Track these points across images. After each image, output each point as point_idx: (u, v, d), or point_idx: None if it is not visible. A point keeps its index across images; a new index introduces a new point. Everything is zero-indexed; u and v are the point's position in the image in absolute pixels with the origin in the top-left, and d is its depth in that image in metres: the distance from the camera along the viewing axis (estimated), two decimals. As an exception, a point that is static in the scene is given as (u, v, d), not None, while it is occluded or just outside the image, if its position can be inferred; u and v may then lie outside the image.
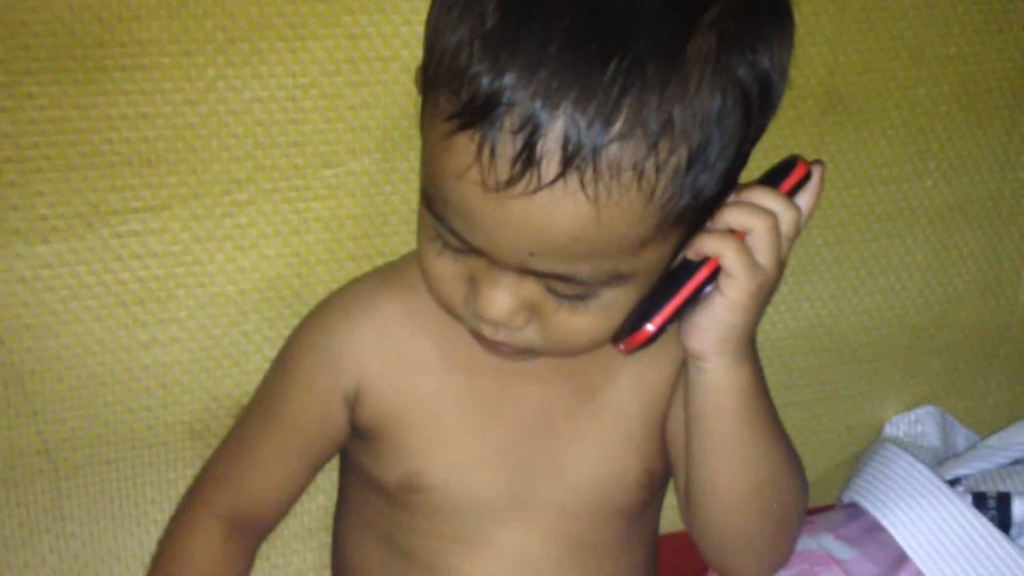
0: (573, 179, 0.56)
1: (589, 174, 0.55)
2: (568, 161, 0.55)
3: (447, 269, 0.64)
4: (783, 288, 0.89)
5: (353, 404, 0.73)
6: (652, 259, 0.61)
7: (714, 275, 0.64)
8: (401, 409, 0.72)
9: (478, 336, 0.67)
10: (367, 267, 0.78)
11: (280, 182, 0.74)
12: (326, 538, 0.84)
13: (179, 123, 0.71)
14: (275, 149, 0.73)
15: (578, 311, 0.63)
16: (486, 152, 0.56)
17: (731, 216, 0.63)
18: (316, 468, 0.76)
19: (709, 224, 0.63)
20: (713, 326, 0.65)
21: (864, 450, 0.94)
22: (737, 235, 0.63)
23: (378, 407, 0.72)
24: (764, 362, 0.90)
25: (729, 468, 0.70)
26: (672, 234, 0.61)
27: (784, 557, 0.77)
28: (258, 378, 0.78)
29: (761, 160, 0.83)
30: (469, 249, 0.61)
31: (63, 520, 0.78)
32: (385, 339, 0.72)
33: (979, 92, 0.88)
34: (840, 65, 0.83)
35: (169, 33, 0.69)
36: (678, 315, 0.64)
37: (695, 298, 0.64)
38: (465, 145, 0.57)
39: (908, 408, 0.97)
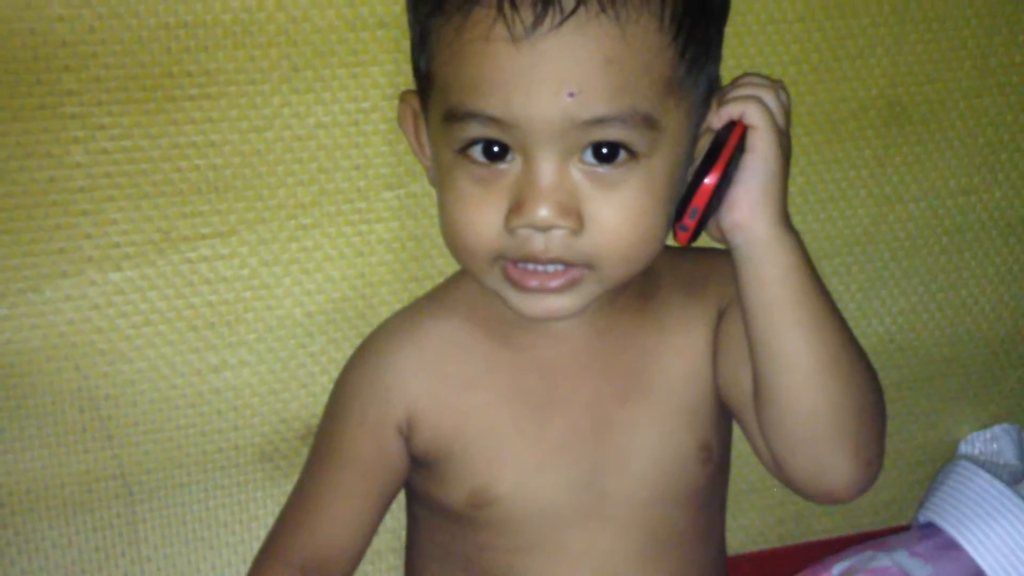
0: (592, 2, 0.60)
1: None
2: None
3: (480, 197, 0.65)
4: (851, 304, 0.88)
5: (408, 434, 0.73)
6: (676, 119, 0.65)
7: (742, 147, 0.67)
8: (458, 427, 0.72)
9: (523, 280, 0.66)
10: (430, 287, 0.78)
11: (344, 205, 0.75)
12: (395, 560, 0.84)
13: (246, 150, 0.73)
14: (339, 173, 0.75)
15: (620, 191, 0.64)
16: (506, 5, 0.60)
17: (740, 90, 0.68)
18: (383, 506, 0.76)
19: (724, 95, 0.68)
20: (751, 186, 0.67)
21: (939, 469, 0.92)
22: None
23: (435, 430, 0.73)
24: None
25: (800, 334, 0.68)
26: (685, 93, 0.65)
27: (877, 454, 0.71)
28: (325, 400, 0.78)
29: (823, 174, 0.83)
30: (503, 149, 0.63)
31: (138, 544, 0.79)
32: (429, 362, 0.73)
33: (1046, 100, 0.86)
34: (902, 76, 0.83)
35: (235, 63, 0.71)
36: (724, 185, 0.66)
37: (729, 178, 0.67)
38: (484, 11, 0.61)
39: (984, 426, 0.95)
